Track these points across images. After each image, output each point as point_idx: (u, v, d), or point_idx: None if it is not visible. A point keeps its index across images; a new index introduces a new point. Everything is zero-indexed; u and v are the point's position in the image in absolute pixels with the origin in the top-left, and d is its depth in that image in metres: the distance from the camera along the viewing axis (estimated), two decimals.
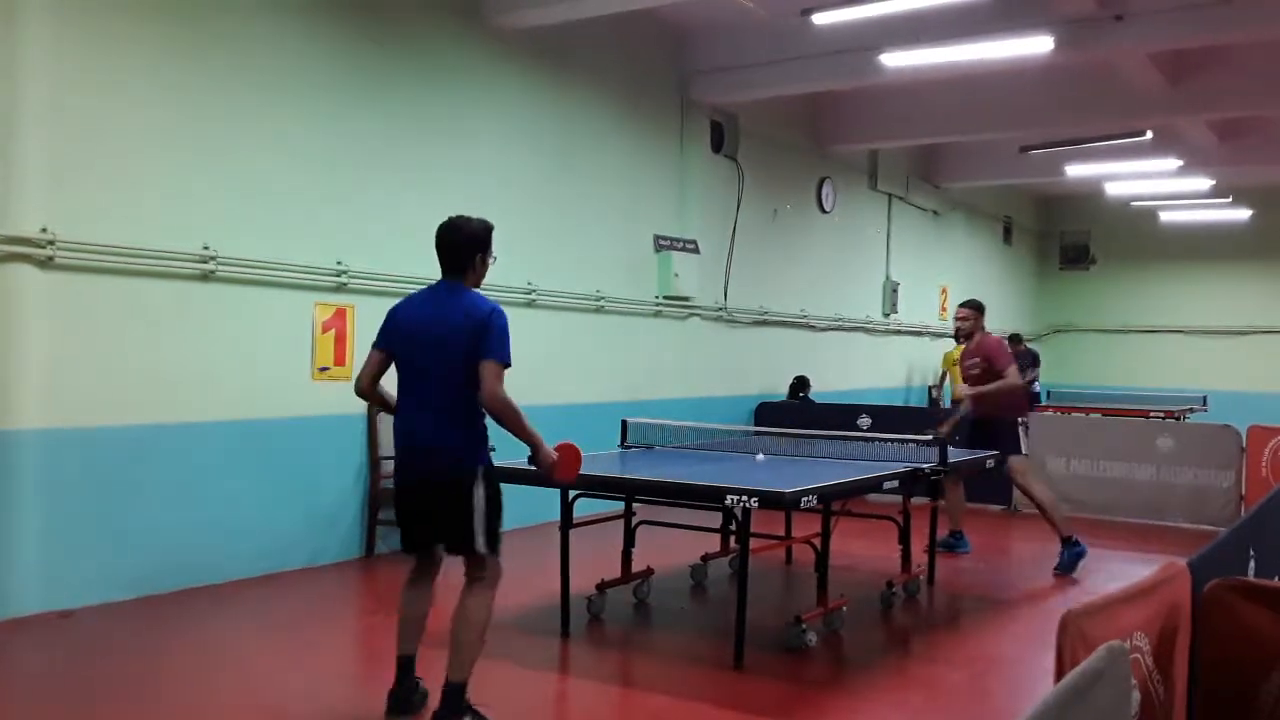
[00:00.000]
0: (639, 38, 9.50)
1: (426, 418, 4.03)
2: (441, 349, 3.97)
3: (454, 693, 3.95)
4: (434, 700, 4.01)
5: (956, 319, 7.74)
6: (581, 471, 4.33)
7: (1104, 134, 11.52)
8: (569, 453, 4.22)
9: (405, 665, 4.16)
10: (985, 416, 7.41)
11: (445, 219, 4.19)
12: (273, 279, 6.53)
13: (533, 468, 4.18)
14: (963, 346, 12.56)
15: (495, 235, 4.24)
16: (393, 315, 4.18)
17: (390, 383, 4.21)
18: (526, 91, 8.38)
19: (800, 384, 11.60)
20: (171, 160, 6.01)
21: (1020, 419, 7.42)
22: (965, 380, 7.66)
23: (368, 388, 4.19)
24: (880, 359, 13.99)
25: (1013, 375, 7.44)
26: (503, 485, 4.11)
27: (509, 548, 4.18)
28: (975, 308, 7.73)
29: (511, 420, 3.95)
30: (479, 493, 3.98)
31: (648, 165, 9.73)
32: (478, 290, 4.16)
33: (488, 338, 3.93)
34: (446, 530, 4.06)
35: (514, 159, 8.28)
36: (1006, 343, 7.80)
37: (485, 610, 4.04)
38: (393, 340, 4.14)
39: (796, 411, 10.77)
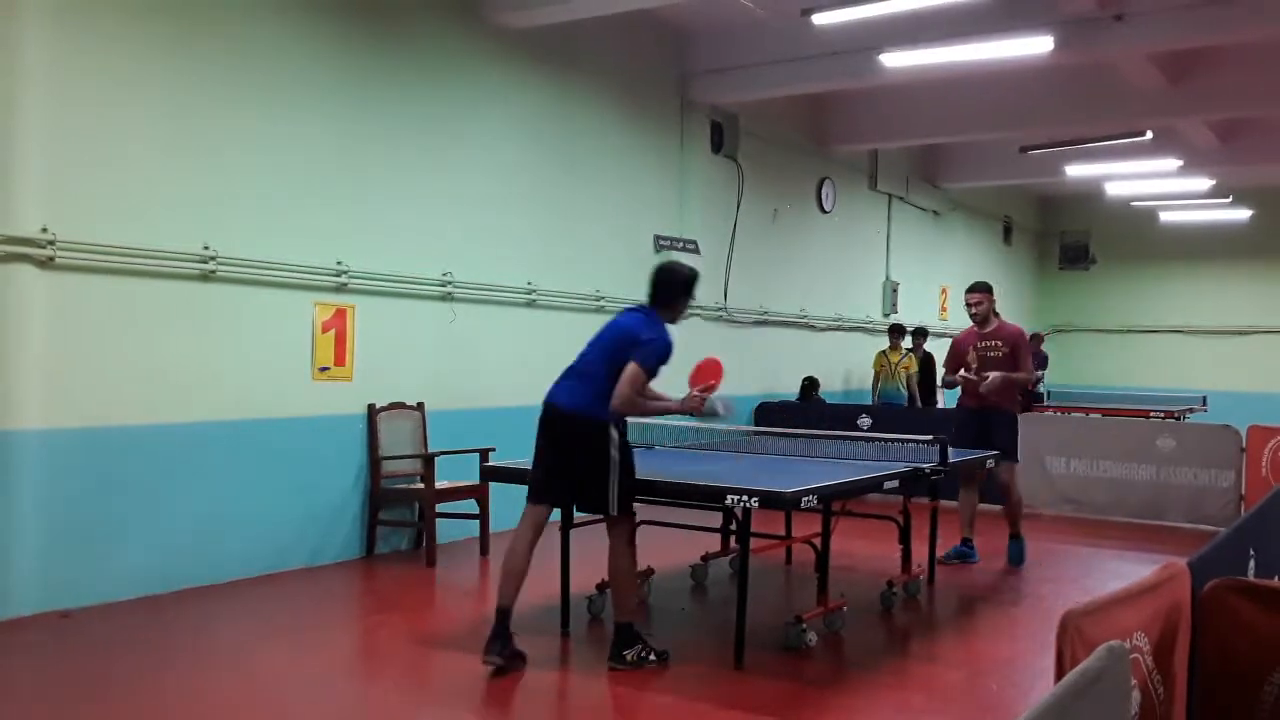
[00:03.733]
0: (639, 38, 9.50)
1: None
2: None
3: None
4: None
5: (969, 304, 7.44)
6: None
7: (1104, 134, 11.51)
8: (705, 370, 4.99)
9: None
10: (989, 406, 7.25)
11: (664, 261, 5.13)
12: (273, 279, 6.53)
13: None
14: (898, 352, 12.30)
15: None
16: None
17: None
18: (527, 91, 8.38)
19: (811, 384, 11.61)
20: (172, 160, 6.01)
21: (1017, 412, 7.37)
22: (982, 363, 7.34)
23: None
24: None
25: (1029, 372, 7.41)
26: (502, 485, 4.18)
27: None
28: (986, 290, 7.51)
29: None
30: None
31: (648, 165, 9.72)
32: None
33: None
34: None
35: (514, 159, 8.28)
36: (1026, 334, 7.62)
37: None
38: None
39: (797, 412, 10.77)
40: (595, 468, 4.72)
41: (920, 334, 13.02)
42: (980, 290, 7.48)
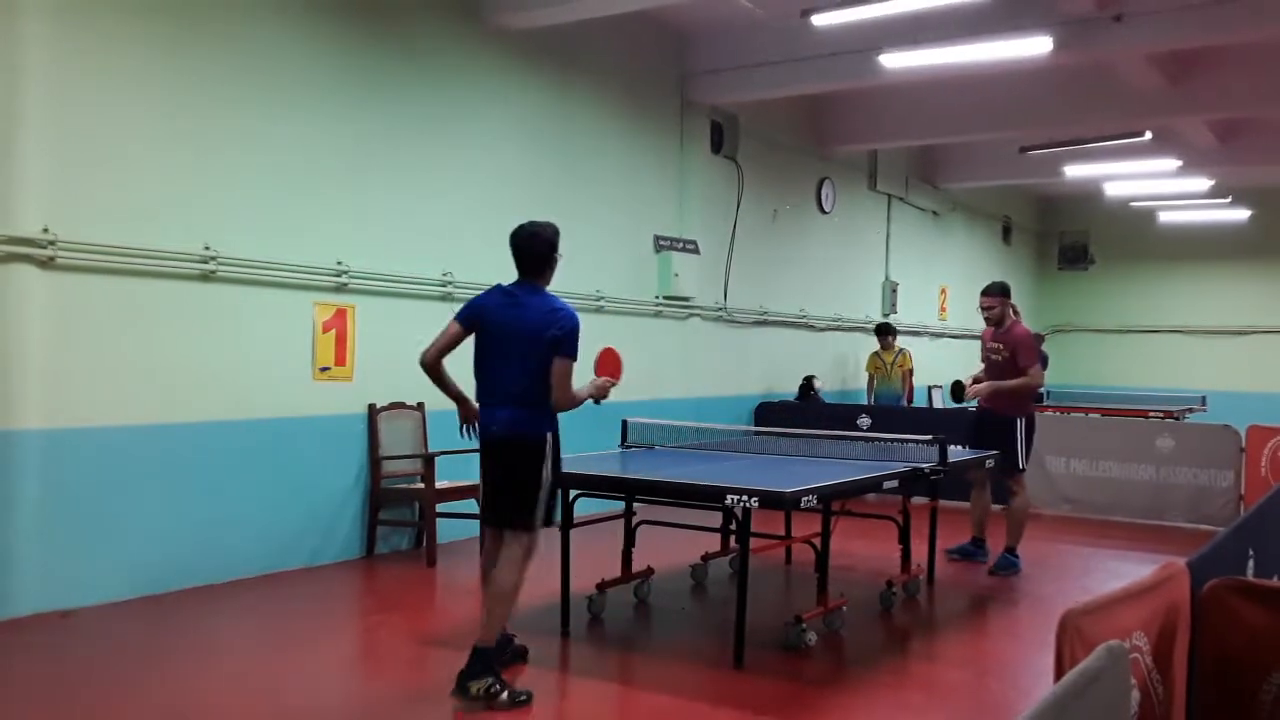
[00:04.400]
0: (639, 38, 9.50)
1: None
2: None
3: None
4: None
5: (982, 307, 7.26)
6: (583, 471, 4.61)
7: (1103, 134, 11.52)
8: (608, 362, 4.85)
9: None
10: (992, 410, 7.20)
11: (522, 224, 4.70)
12: (273, 279, 6.53)
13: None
14: (891, 352, 12.04)
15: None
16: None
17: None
18: (527, 92, 8.38)
19: (809, 384, 11.61)
20: (172, 160, 6.01)
21: (1021, 417, 7.19)
22: (986, 365, 7.25)
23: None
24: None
25: (1035, 375, 7.17)
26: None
27: None
28: (1001, 292, 7.28)
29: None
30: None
31: (648, 165, 9.73)
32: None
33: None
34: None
35: (514, 159, 8.28)
36: (1033, 337, 7.44)
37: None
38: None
39: (797, 411, 10.78)
40: (527, 482, 4.49)
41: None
42: (992, 294, 7.29)
